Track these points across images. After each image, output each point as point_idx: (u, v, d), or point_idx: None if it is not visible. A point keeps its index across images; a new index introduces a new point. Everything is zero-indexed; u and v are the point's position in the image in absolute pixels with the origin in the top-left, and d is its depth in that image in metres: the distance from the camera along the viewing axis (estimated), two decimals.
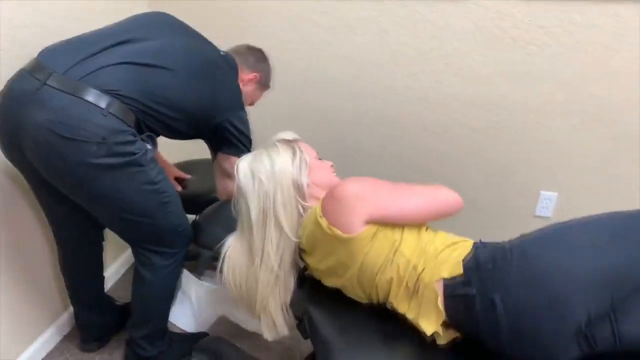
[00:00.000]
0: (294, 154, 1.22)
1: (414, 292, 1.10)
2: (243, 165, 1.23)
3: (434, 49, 1.96)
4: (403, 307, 1.12)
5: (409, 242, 1.12)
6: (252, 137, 1.58)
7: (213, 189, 1.72)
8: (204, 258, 2.13)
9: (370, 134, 2.17)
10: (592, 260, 0.99)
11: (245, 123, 1.55)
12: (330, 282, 1.22)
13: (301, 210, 1.21)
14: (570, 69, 1.86)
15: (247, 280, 1.25)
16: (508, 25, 1.86)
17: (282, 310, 1.26)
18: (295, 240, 1.21)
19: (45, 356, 1.74)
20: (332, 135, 2.21)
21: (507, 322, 1.01)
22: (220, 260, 1.27)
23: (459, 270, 1.08)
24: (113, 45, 1.29)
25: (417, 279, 1.09)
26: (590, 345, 0.97)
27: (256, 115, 1.68)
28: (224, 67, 1.51)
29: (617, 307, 0.97)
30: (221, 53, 1.54)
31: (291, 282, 1.26)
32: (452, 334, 1.11)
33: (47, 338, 1.76)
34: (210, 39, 1.55)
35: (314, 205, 1.18)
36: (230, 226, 1.32)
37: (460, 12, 1.88)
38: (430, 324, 1.09)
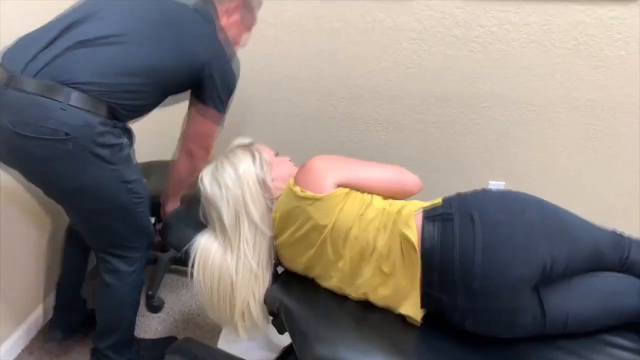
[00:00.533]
0: (253, 155, 1.27)
1: (390, 234, 1.14)
2: (207, 178, 1.26)
3: (384, 48, 2.04)
4: (378, 265, 1.15)
5: (380, 200, 1.21)
6: (233, 92, 1.50)
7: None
8: (163, 262, 2.10)
9: (328, 132, 2.22)
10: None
11: (226, 75, 1.44)
12: (302, 263, 1.24)
13: (270, 205, 1.25)
14: (509, 64, 1.99)
15: (220, 282, 1.25)
16: (452, 24, 1.96)
17: (262, 308, 1.28)
18: (270, 234, 1.24)
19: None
20: (292, 134, 2.24)
21: (482, 243, 1.06)
22: (191, 262, 1.27)
23: (438, 201, 1.19)
24: (67, 29, 1.22)
25: (394, 218, 1.15)
26: (541, 304, 1.08)
27: None
28: (191, 18, 1.39)
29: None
30: (190, 5, 1.41)
31: (268, 279, 1.27)
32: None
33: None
34: None
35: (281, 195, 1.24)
36: (200, 225, 1.32)
37: (407, 12, 1.97)
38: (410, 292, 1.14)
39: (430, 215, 1.15)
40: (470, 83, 2.05)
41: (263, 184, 1.25)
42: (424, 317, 1.16)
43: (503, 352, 1.12)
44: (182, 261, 2.15)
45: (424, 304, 1.15)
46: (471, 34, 1.97)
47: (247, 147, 1.30)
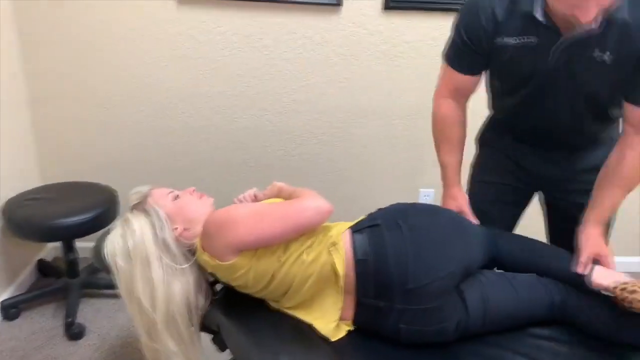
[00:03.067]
0: (148, 216, 1.22)
1: (318, 257, 1.17)
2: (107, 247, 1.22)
3: (314, 64, 2.09)
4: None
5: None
6: None
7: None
8: (74, 288, 2.04)
9: (264, 146, 2.23)
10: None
11: None
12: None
13: (189, 255, 1.23)
14: (428, 76, 2.10)
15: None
16: (378, 40, 2.05)
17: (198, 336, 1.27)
18: (190, 271, 1.22)
19: None
20: (228, 149, 2.23)
21: (412, 245, 1.16)
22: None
23: (362, 217, 1.25)
24: None
25: (322, 243, 1.18)
26: (462, 295, 1.17)
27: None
28: None
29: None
30: None
31: (204, 306, 1.27)
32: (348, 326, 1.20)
33: None
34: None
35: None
36: None
37: (334, 29, 2.04)
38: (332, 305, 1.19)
39: (358, 229, 1.22)
40: (399, 96, 2.14)
41: (166, 248, 1.20)
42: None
43: (436, 351, 1.18)
44: (96, 285, 2.13)
45: (357, 315, 1.19)
46: (396, 50, 2.06)
47: (140, 207, 1.24)
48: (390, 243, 1.17)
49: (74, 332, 1.90)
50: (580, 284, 1.21)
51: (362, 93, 2.14)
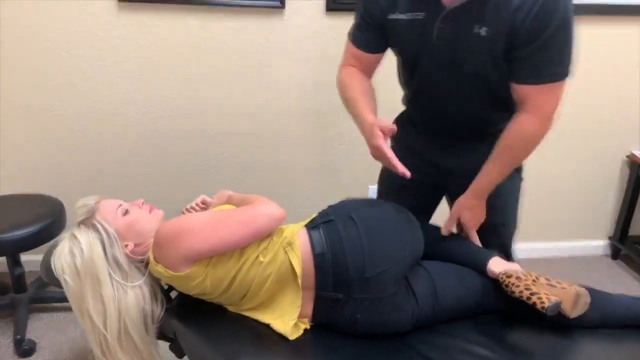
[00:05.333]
0: (97, 233, 1.19)
1: (274, 258, 1.19)
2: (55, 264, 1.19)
3: (258, 66, 2.11)
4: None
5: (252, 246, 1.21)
6: None
7: None
8: (23, 303, 1.98)
9: (212, 148, 2.23)
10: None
11: None
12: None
13: (142, 267, 1.23)
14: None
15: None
16: (321, 41, 2.09)
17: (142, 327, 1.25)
18: (141, 279, 1.22)
19: None
20: (170, 152, 2.22)
21: (366, 236, 1.22)
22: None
23: (314, 215, 1.30)
24: None
25: (277, 245, 1.21)
26: (409, 285, 1.25)
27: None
28: None
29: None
30: None
31: (160, 314, 1.27)
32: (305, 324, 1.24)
33: None
34: None
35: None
36: None
37: (277, 31, 2.06)
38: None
39: (312, 226, 1.26)
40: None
41: (116, 264, 1.19)
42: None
43: (391, 343, 1.24)
44: (45, 299, 2.08)
45: (315, 310, 1.23)
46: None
47: (88, 222, 1.21)
48: (345, 236, 1.22)
49: (24, 349, 1.85)
50: (481, 271, 1.33)
51: (308, 94, 2.18)
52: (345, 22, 1.42)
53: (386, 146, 1.24)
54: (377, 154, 1.28)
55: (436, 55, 1.28)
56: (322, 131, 2.26)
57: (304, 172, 2.33)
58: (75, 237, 1.19)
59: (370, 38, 1.39)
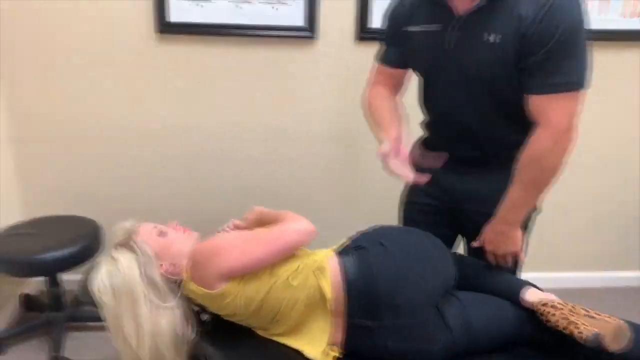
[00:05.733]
0: (134, 254, 1.25)
1: (305, 282, 1.21)
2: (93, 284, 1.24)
3: (291, 93, 2.16)
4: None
5: (283, 266, 1.24)
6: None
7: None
8: (59, 322, 2.04)
9: (245, 172, 2.28)
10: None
11: None
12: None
13: (175, 288, 1.27)
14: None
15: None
16: (352, 69, 2.13)
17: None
18: (173, 303, 1.25)
19: None
20: (205, 176, 2.27)
21: (398, 263, 1.22)
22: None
23: (345, 240, 1.31)
24: None
25: (308, 269, 1.22)
26: (441, 315, 1.23)
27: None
28: None
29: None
30: None
31: (192, 336, 1.30)
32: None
33: None
34: None
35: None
36: None
37: (307, 59, 2.12)
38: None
39: (343, 251, 1.28)
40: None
41: (153, 284, 1.23)
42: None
43: None
44: (81, 318, 2.12)
45: (345, 337, 1.24)
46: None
47: (126, 244, 1.27)
48: (377, 262, 1.23)
49: None
50: (515, 301, 1.30)
51: (338, 120, 2.21)
52: (375, 51, 1.48)
53: (389, 157, 1.24)
54: (385, 166, 1.26)
55: (450, 65, 1.29)
56: (349, 157, 2.28)
57: (330, 197, 2.35)
58: (114, 258, 1.25)
59: (393, 53, 1.45)
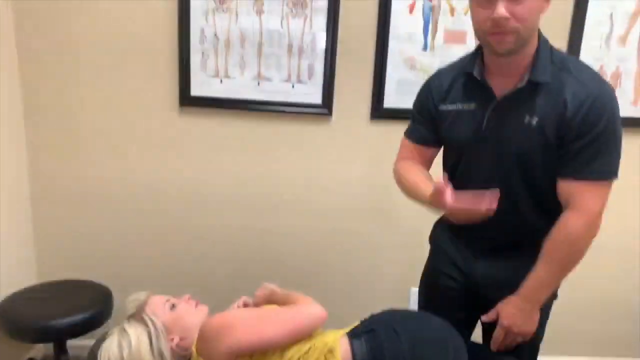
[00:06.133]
0: (145, 326, 1.26)
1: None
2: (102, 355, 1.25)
3: (306, 167, 2.22)
4: None
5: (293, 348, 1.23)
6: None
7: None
8: None
9: (258, 245, 2.30)
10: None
11: None
12: None
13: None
14: None
15: None
16: (365, 146, 2.19)
17: None
18: None
19: None
20: (219, 247, 2.30)
21: (409, 348, 1.21)
22: None
23: (356, 323, 1.29)
24: None
25: (318, 351, 1.21)
26: None
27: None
28: None
29: None
30: None
31: None
32: None
33: None
34: None
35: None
36: None
37: (325, 135, 2.18)
38: None
39: (354, 334, 1.27)
40: (385, 197, 2.23)
41: (160, 357, 1.24)
42: None
43: None
44: None
45: None
46: (383, 155, 2.19)
47: (138, 316, 1.29)
48: (388, 346, 1.22)
49: None
50: None
51: (352, 194, 2.25)
52: (388, 129, 1.53)
53: (450, 197, 1.20)
54: (449, 209, 1.23)
55: (484, 145, 1.31)
56: (365, 231, 2.30)
57: (347, 272, 2.34)
58: (125, 331, 1.27)
59: (423, 131, 1.46)
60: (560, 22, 2.05)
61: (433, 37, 2.07)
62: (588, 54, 2.06)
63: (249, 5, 2.03)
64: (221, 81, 2.10)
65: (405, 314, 1.41)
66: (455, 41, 2.07)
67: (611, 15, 2.04)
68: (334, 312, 1.31)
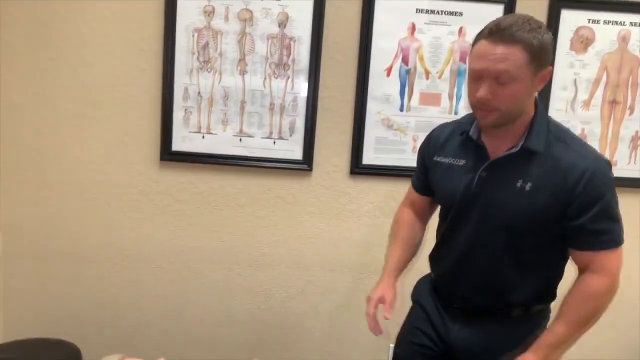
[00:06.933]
0: None
1: None
2: None
3: (286, 221, 2.23)
4: None
5: None
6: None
7: None
8: None
9: (235, 299, 2.26)
10: None
11: None
12: None
13: None
14: None
15: None
16: (345, 201, 2.22)
17: None
18: None
19: None
20: (200, 300, 2.24)
21: None
22: None
23: None
24: None
25: None
26: None
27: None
28: None
29: None
30: None
31: None
32: None
33: None
34: None
35: None
36: None
37: (305, 190, 2.21)
38: None
39: None
40: (365, 250, 2.25)
41: None
42: None
43: None
44: None
45: None
46: (362, 209, 2.23)
47: None
48: None
49: None
50: None
51: (332, 249, 2.26)
52: (367, 184, 1.57)
53: (372, 316, 1.43)
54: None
55: (472, 204, 1.32)
56: (342, 286, 2.29)
57: (326, 328, 2.31)
58: None
59: (424, 181, 1.51)
60: None
61: (409, 99, 2.16)
62: (555, 116, 2.17)
63: (232, 65, 2.11)
64: (203, 137, 2.14)
65: None
66: (431, 103, 2.16)
67: (575, 81, 2.18)
68: None
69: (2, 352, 1.91)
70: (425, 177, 1.49)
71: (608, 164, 1.27)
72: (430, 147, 1.46)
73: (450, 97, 2.16)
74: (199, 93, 2.12)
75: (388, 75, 2.14)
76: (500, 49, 1.16)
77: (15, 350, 1.92)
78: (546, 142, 1.26)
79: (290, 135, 2.15)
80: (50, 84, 2.08)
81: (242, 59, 2.11)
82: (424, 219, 1.59)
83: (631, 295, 2.32)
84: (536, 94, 1.29)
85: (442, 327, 1.45)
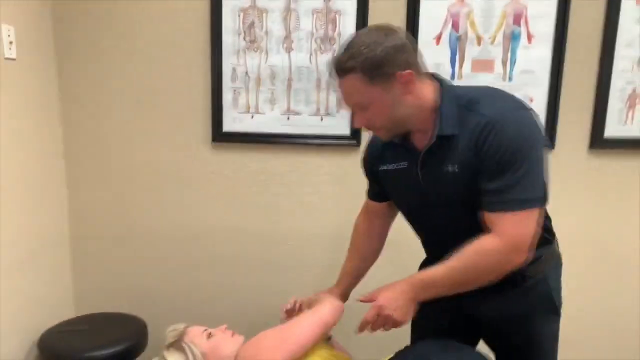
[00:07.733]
0: (184, 354, 1.31)
1: None
2: None
3: (335, 197, 2.23)
4: None
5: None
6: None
7: None
8: None
9: (290, 276, 2.30)
10: None
11: None
12: None
13: None
14: None
15: None
16: None
17: None
18: None
19: None
20: (253, 279, 2.31)
21: None
22: None
23: (391, 355, 1.34)
24: None
25: None
26: None
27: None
28: None
29: None
30: None
31: None
32: None
33: None
34: None
35: None
36: None
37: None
38: None
39: None
40: None
41: None
42: None
43: None
44: None
45: None
46: None
47: (177, 344, 1.33)
48: None
49: None
50: None
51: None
52: None
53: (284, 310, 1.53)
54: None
55: (423, 196, 1.34)
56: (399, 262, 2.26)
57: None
58: (165, 359, 1.31)
59: (375, 189, 1.57)
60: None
61: (461, 67, 2.08)
62: (619, 77, 2.05)
63: (278, 43, 2.11)
64: (252, 117, 2.16)
65: (440, 346, 1.38)
66: (483, 70, 2.08)
67: None
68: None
69: (75, 325, 2.05)
70: (378, 185, 1.52)
71: (522, 117, 1.20)
72: (373, 159, 1.48)
73: (504, 63, 2.06)
74: (246, 73, 2.14)
75: (437, 43, 2.07)
76: (341, 86, 1.24)
77: (87, 323, 2.07)
78: (459, 120, 1.23)
79: (338, 112, 2.14)
80: (107, 73, 2.17)
81: (287, 36, 2.11)
82: (384, 223, 1.64)
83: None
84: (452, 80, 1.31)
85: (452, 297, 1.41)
